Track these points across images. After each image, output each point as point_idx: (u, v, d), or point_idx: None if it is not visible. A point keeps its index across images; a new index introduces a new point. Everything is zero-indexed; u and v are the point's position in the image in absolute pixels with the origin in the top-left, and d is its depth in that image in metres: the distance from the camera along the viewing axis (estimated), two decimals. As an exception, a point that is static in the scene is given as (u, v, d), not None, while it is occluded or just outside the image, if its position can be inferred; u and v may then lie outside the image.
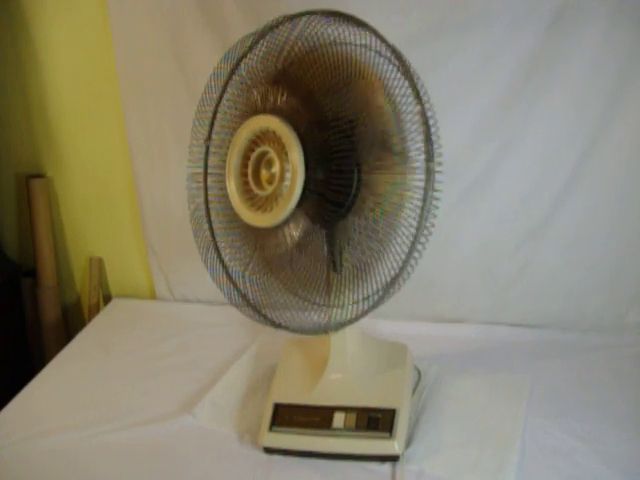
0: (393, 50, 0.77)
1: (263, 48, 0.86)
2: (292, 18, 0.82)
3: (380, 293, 0.84)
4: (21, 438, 0.99)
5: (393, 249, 0.81)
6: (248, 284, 0.90)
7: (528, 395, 1.00)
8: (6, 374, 1.37)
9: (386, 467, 0.89)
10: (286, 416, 0.94)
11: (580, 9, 1.01)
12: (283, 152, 0.79)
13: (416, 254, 0.79)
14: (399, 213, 0.79)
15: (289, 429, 0.93)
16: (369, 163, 0.80)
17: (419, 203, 0.78)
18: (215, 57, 0.91)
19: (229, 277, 0.91)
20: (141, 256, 1.41)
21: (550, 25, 1.03)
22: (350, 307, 0.86)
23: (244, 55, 0.87)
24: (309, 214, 0.84)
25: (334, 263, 0.88)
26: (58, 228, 1.43)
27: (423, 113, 0.76)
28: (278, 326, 0.90)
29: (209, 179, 0.90)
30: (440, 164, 0.78)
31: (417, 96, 0.75)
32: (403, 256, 0.80)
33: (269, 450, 0.93)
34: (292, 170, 0.78)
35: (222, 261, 0.93)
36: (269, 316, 0.90)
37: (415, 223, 0.78)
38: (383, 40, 0.77)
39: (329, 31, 0.82)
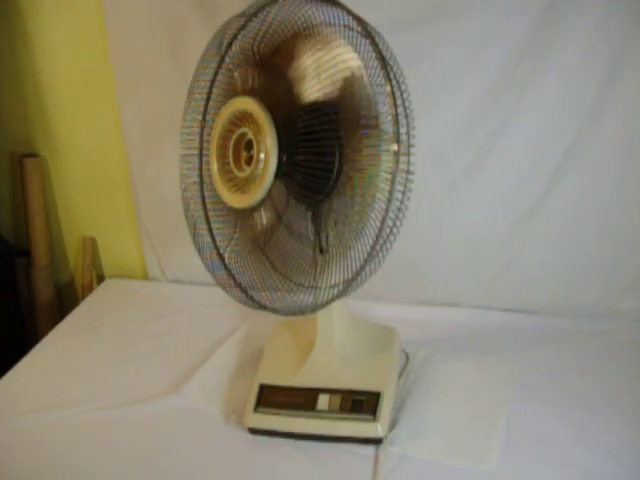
0: (357, 19, 0.76)
1: (246, 31, 0.85)
2: (273, 1, 0.81)
3: (363, 275, 0.83)
4: (6, 415, 0.99)
5: (367, 232, 0.80)
6: (233, 264, 0.90)
7: (517, 380, 1.00)
8: (1, 353, 1.38)
9: (370, 449, 0.89)
10: (271, 397, 0.94)
11: None
12: (259, 134, 0.79)
13: (383, 237, 0.79)
14: (374, 194, 0.79)
15: (274, 410, 0.93)
16: (349, 145, 0.79)
17: (390, 185, 0.76)
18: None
19: (219, 257, 0.91)
20: (134, 236, 1.41)
21: (543, 13, 1.01)
22: (334, 288, 0.86)
23: (234, 37, 0.86)
24: (293, 196, 0.84)
25: (320, 245, 0.88)
26: (51, 208, 1.43)
27: (392, 94, 0.74)
28: (263, 307, 0.90)
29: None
30: (411, 146, 0.77)
31: (387, 77, 0.74)
32: (371, 240, 0.80)
33: (254, 431, 0.94)
34: (265, 152, 0.77)
35: (210, 241, 0.92)
36: (255, 297, 0.90)
37: (384, 205, 0.77)
38: (349, 12, 0.76)
39: (301, 12, 0.80)
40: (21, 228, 1.45)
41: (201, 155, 0.92)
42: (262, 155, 0.78)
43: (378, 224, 0.77)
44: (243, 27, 0.86)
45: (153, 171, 1.30)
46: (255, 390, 0.96)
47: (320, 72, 0.78)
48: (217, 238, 0.90)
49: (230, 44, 0.86)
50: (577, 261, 1.13)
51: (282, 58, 0.81)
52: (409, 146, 0.76)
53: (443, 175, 1.14)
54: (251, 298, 0.89)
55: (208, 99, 0.89)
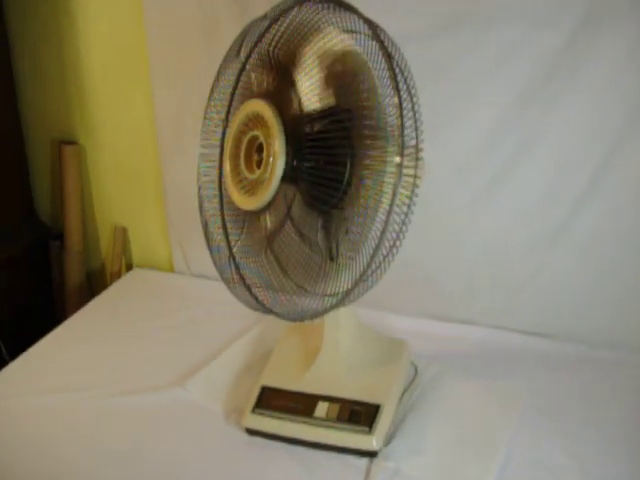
0: (375, 35, 0.75)
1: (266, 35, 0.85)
2: (293, 6, 0.81)
3: (369, 282, 0.82)
4: (15, 394, 1.02)
5: (372, 243, 0.79)
6: (241, 263, 0.90)
7: (523, 406, 0.97)
8: (32, 329, 1.43)
9: (363, 462, 0.89)
10: (271, 400, 0.95)
11: (607, 15, 0.96)
12: (269, 137, 0.78)
13: (384, 250, 0.77)
14: (380, 205, 0.78)
15: (271, 413, 0.93)
16: (360, 155, 0.78)
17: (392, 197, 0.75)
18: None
19: (230, 255, 0.91)
20: (162, 229, 1.43)
21: (575, 30, 0.99)
22: (341, 295, 0.85)
23: (261, 36, 0.86)
24: (305, 201, 0.84)
25: (330, 252, 0.88)
26: (87, 195, 1.47)
27: (399, 106, 0.73)
28: (268, 311, 0.90)
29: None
30: (419, 159, 0.75)
31: (396, 88, 0.73)
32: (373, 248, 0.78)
33: (251, 431, 0.94)
34: (273, 156, 0.77)
35: (222, 239, 0.93)
36: (259, 298, 0.90)
37: (384, 217, 0.76)
38: (367, 21, 0.75)
39: (316, 18, 0.80)
40: (58, 213, 1.50)
41: (222, 154, 0.92)
42: (270, 159, 0.78)
43: (376, 241, 0.76)
44: (267, 30, 0.86)
45: (181, 166, 1.31)
46: (256, 391, 0.96)
47: (330, 75, 0.78)
48: (230, 238, 0.90)
49: (253, 47, 0.87)
50: (598, 285, 1.10)
51: (295, 63, 0.80)
52: (417, 159, 0.74)
53: (464, 189, 1.11)
54: (255, 298, 0.90)
55: (231, 100, 0.89)
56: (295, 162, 0.78)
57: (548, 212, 1.09)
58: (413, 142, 0.75)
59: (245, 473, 0.88)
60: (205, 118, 0.93)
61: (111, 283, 1.47)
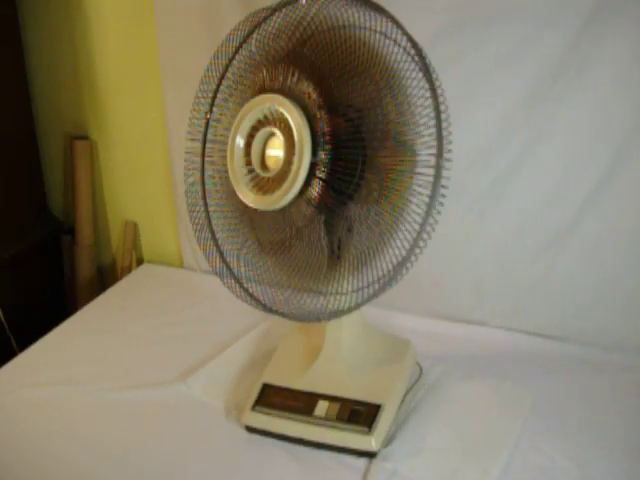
0: (410, 40, 0.74)
1: (276, 24, 0.84)
2: None
3: (376, 286, 0.82)
4: (19, 386, 1.03)
5: (394, 243, 0.79)
6: (242, 267, 0.90)
7: (528, 409, 0.95)
8: (44, 323, 1.44)
9: (361, 462, 0.88)
10: (271, 398, 0.94)
11: (611, 15, 0.94)
12: (290, 134, 0.77)
13: (417, 250, 0.77)
14: (404, 207, 0.78)
15: (271, 411, 0.92)
16: (377, 153, 0.77)
17: (426, 199, 0.75)
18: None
19: (222, 258, 0.91)
20: (172, 225, 1.44)
21: (581, 28, 0.97)
22: (346, 296, 0.85)
23: (253, 30, 0.85)
24: (311, 199, 0.83)
25: (332, 250, 0.87)
26: (98, 190, 1.48)
27: (436, 108, 0.73)
28: (272, 311, 0.90)
29: (206, 154, 0.90)
30: (449, 160, 0.75)
31: (432, 89, 0.72)
32: (404, 252, 0.78)
33: (250, 429, 0.93)
34: (299, 154, 0.75)
35: (216, 241, 0.91)
36: (261, 299, 0.89)
37: (420, 219, 0.76)
38: (401, 28, 0.75)
39: (348, 13, 0.79)
40: (70, 207, 1.51)
41: (204, 149, 0.91)
42: (295, 157, 0.76)
43: (405, 244, 0.77)
44: (267, 19, 0.84)
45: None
46: (257, 389, 0.95)
47: (352, 77, 0.77)
48: (225, 238, 0.90)
49: (251, 34, 0.86)
50: (605, 287, 1.07)
51: (314, 56, 0.79)
52: (439, 167, 0.74)
53: (472, 189, 1.10)
54: (256, 300, 0.89)
55: (216, 91, 0.88)
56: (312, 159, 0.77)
57: (555, 213, 1.07)
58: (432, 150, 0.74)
59: (243, 471, 0.88)
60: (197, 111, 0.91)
61: (121, 277, 1.48)
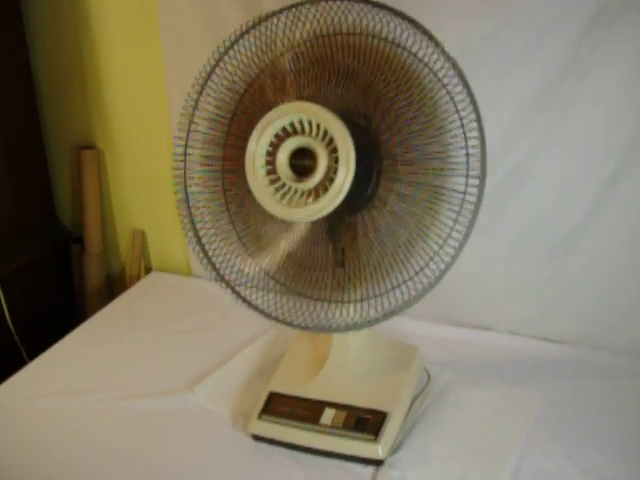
0: (451, 61, 0.77)
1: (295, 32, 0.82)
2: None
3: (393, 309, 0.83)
4: (28, 396, 1.03)
5: (413, 259, 0.81)
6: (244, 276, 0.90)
7: (537, 415, 0.95)
8: (54, 331, 1.45)
9: (368, 470, 0.87)
10: (278, 406, 0.94)
11: (614, 21, 0.94)
12: (329, 146, 0.74)
13: (433, 265, 0.80)
14: (429, 225, 0.80)
15: (277, 419, 0.92)
16: (390, 166, 0.78)
17: (450, 222, 0.79)
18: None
19: (213, 267, 0.92)
20: (180, 233, 1.43)
21: (582, 33, 0.96)
22: (355, 306, 0.85)
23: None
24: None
25: (336, 259, 0.87)
26: (106, 199, 1.49)
27: (480, 129, 0.75)
28: (279, 320, 0.90)
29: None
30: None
31: (476, 111, 0.74)
32: (422, 263, 0.80)
33: (257, 437, 0.93)
34: (345, 166, 0.73)
35: (205, 248, 0.94)
36: (260, 307, 0.90)
37: (441, 241, 0.80)
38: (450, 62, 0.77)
39: (389, 27, 0.77)
40: (78, 216, 1.52)
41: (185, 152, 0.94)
42: (342, 168, 0.73)
43: (425, 258, 0.80)
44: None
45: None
46: (264, 397, 0.95)
47: (384, 86, 0.77)
48: (220, 246, 0.92)
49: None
50: (618, 291, 1.06)
51: (356, 67, 0.78)
52: (465, 193, 0.77)
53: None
54: (255, 307, 0.90)
55: (202, 89, 0.89)
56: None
57: (560, 219, 1.07)
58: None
59: (249, 479, 0.88)
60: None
61: (130, 286, 1.48)
